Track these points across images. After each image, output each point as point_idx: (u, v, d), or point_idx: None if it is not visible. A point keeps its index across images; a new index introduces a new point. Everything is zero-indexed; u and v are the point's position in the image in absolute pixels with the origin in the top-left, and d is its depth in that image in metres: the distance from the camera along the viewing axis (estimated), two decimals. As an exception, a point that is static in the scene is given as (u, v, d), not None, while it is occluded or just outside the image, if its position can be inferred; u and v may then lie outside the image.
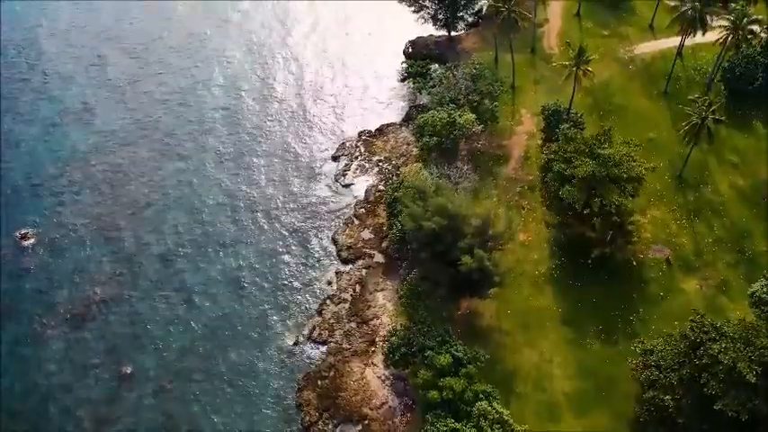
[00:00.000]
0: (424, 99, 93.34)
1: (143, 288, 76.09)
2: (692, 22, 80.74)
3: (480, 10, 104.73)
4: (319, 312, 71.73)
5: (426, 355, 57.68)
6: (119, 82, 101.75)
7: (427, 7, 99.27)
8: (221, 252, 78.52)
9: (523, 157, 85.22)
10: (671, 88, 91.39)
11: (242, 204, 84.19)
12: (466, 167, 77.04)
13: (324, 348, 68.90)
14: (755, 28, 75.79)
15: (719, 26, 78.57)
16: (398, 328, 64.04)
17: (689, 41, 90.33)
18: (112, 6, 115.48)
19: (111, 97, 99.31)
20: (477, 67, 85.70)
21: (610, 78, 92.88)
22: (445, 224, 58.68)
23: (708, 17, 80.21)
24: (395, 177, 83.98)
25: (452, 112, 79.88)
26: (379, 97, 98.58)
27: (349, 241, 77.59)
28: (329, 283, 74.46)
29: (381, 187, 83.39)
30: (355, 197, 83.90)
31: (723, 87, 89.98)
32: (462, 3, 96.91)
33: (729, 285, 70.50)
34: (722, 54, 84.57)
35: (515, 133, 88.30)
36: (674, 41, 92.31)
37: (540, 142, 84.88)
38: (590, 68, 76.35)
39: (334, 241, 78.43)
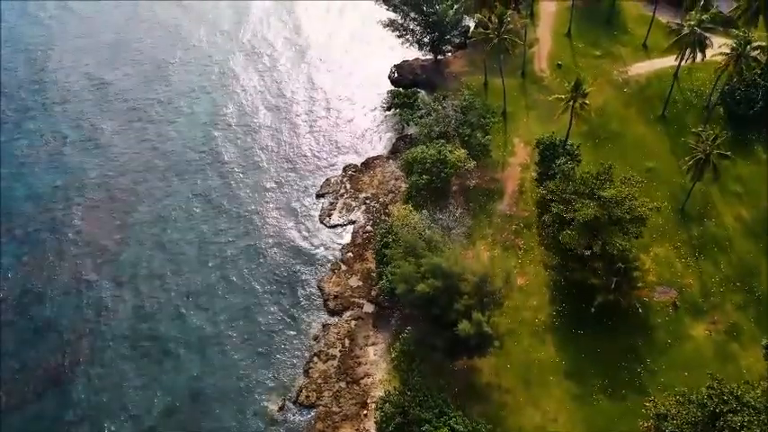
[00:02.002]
0: (411, 129, 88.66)
1: (117, 345, 70.59)
2: (692, 46, 76.88)
3: (467, 30, 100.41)
4: (306, 372, 66.77)
5: (423, 429, 53.02)
6: (92, 120, 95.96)
7: (413, 31, 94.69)
8: (198, 304, 73.18)
9: (518, 192, 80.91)
10: (668, 112, 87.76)
11: (219, 250, 78.69)
12: (459, 211, 72.46)
13: (312, 413, 63.87)
14: (758, 55, 72.00)
15: (720, 53, 74.74)
16: (392, 391, 59.32)
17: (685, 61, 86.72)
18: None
19: (86, 135, 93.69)
20: (467, 97, 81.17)
21: (604, 103, 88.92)
22: (439, 286, 54.13)
23: (708, 41, 76.32)
24: (383, 216, 79.41)
25: (442, 147, 75.41)
26: (364, 127, 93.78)
27: (336, 290, 72.73)
28: (316, 338, 69.49)
29: (369, 228, 78.68)
30: (342, 239, 79.00)
31: (722, 111, 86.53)
32: (449, 26, 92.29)
33: (740, 330, 66.70)
34: (720, 77, 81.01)
35: (509, 165, 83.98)
36: (670, 61, 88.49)
37: (534, 175, 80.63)
38: (587, 101, 72.05)
39: (321, 290, 73.48)
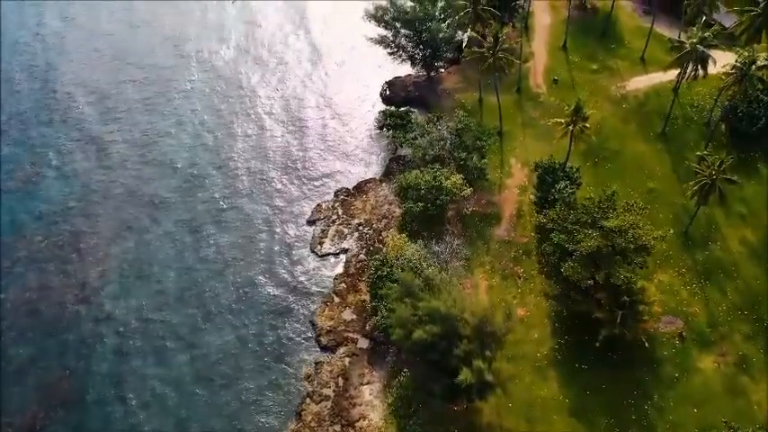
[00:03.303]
0: (404, 150, 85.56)
1: (99, 387, 67.12)
2: (694, 63, 74.31)
3: (460, 44, 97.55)
4: (298, 414, 63.55)
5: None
6: (70, 143, 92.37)
7: (404, 48, 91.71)
8: (183, 341, 69.78)
9: (516, 216, 78.10)
10: (668, 129, 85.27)
11: (205, 283, 74.94)
12: (456, 242, 69.50)
13: (305, 461, 60.90)
14: (763, 74, 69.54)
15: (724, 72, 72.26)
16: (389, 439, 56.47)
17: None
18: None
19: (67, 160, 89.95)
20: (462, 119, 78.27)
21: (602, 120, 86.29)
22: (438, 332, 51.23)
23: (710, 59, 73.80)
24: (377, 243, 76.42)
25: (437, 173, 72.46)
26: (355, 148, 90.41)
27: (329, 324, 69.62)
28: (308, 376, 66.25)
29: (362, 257, 75.60)
30: (334, 269, 75.80)
31: (723, 127, 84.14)
32: (442, 43, 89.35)
33: (749, 362, 64.17)
34: (722, 94, 78.67)
35: (506, 187, 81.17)
36: (668, 75, 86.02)
37: (532, 197, 77.93)
38: (587, 125, 69.32)
39: (312, 324, 70.28)
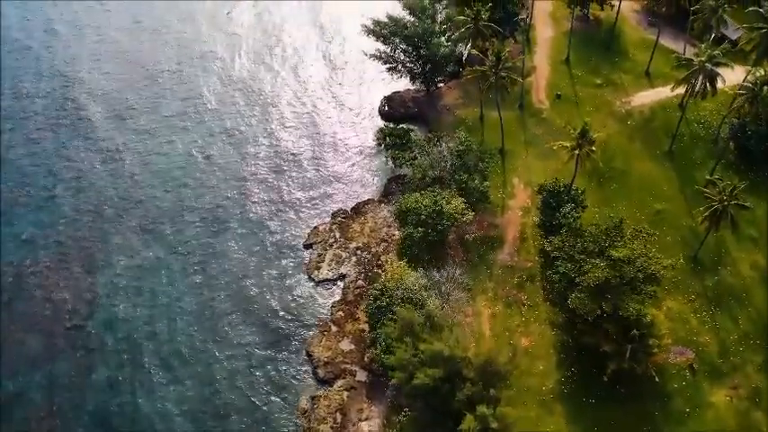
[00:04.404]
0: (404, 169, 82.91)
1: (87, 423, 64.27)
2: (703, 81, 71.86)
3: (461, 58, 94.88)
4: (294, 455, 61.22)
5: None
6: (59, 164, 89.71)
7: (403, 62, 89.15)
8: (173, 375, 66.87)
9: (519, 239, 75.61)
10: (675, 146, 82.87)
11: (196, 312, 72.01)
12: (457, 271, 66.94)
13: (301, 504, 58.34)
14: (775, 94, 67.23)
15: (736, 94, 69.84)
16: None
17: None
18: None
19: (50, 182, 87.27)
20: (463, 140, 75.71)
21: (607, 137, 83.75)
22: (440, 376, 48.73)
23: (719, 77, 71.42)
24: (375, 268, 73.92)
25: (438, 197, 69.91)
26: (353, 167, 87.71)
27: (326, 355, 67.04)
28: (304, 412, 63.57)
29: (361, 282, 73.07)
30: (331, 296, 73.19)
31: (732, 145, 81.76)
32: (442, 59, 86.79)
33: (762, 395, 61.80)
34: (730, 112, 76.39)
35: (508, 208, 78.67)
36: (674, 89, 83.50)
37: (536, 220, 75.51)
38: (594, 148, 66.83)
39: (309, 355, 67.68)
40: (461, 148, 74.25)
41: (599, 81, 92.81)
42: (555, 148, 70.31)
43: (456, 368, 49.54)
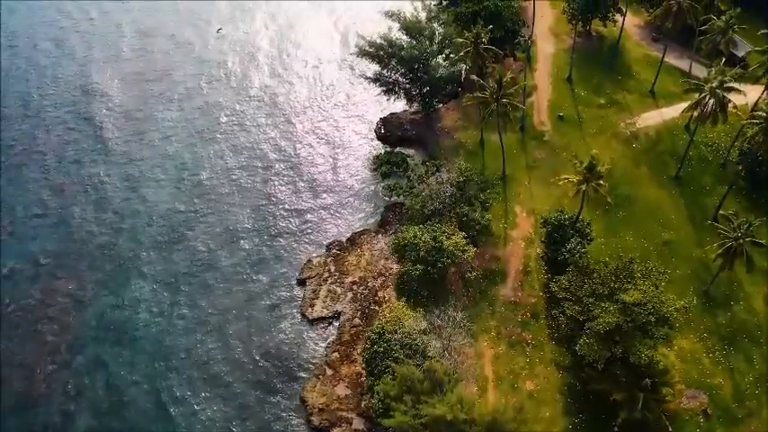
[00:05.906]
0: (401, 197, 79.55)
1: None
2: (713, 106, 68.67)
3: (460, 77, 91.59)
4: None
5: None
6: (46, 189, 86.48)
7: (400, 83, 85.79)
8: (158, 426, 63.10)
9: (522, 272, 72.32)
10: (683, 171, 79.76)
11: (184, 354, 68.41)
12: (458, 314, 63.69)
13: None
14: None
15: (750, 123, 66.74)
16: None
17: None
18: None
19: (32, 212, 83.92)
20: (463, 170, 72.42)
21: (612, 162, 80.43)
22: (444, 441, 45.72)
23: (730, 103, 68.27)
24: (373, 306, 70.60)
25: (438, 232, 66.59)
26: (348, 192, 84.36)
27: (321, 401, 63.68)
28: (299, 466, 60.64)
29: (357, 321, 69.75)
30: (326, 336, 69.86)
31: (741, 169, 78.54)
32: (441, 81, 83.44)
33: (781, 443, 58.89)
34: (739, 137, 73.38)
35: (511, 239, 75.39)
36: (681, 109, 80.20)
37: (539, 251, 72.36)
38: (602, 182, 63.56)
39: (303, 401, 64.27)
40: (461, 179, 70.90)
41: (602, 101, 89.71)
42: (561, 183, 66.95)
43: (460, 430, 46.38)
